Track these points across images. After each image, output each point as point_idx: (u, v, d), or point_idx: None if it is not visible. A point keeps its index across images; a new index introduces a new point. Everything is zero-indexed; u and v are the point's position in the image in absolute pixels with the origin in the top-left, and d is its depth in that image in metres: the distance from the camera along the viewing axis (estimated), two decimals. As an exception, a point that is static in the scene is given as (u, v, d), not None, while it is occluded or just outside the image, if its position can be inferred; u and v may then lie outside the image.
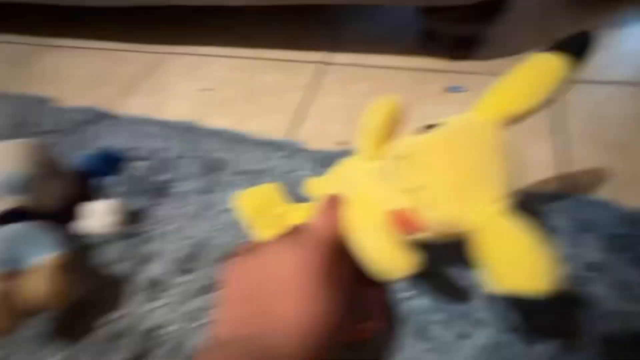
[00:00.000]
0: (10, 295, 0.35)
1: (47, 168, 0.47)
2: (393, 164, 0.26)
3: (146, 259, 0.44)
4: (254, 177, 0.49)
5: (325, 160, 0.49)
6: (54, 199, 0.47)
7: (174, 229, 0.47)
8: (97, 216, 0.46)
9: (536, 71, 0.24)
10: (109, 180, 0.53)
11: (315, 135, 0.54)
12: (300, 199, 0.46)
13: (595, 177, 0.42)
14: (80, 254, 0.45)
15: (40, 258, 0.38)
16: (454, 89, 0.55)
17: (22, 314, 0.36)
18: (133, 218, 0.48)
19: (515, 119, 0.25)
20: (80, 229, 0.46)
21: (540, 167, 0.45)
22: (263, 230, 0.42)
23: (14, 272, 0.37)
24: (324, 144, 0.53)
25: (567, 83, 0.23)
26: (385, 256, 0.26)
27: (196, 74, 0.70)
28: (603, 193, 0.41)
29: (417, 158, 0.25)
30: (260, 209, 0.43)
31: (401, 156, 0.26)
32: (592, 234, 0.36)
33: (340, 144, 0.52)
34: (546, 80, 0.23)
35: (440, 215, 0.24)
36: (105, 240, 0.46)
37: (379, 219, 0.27)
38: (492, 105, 0.25)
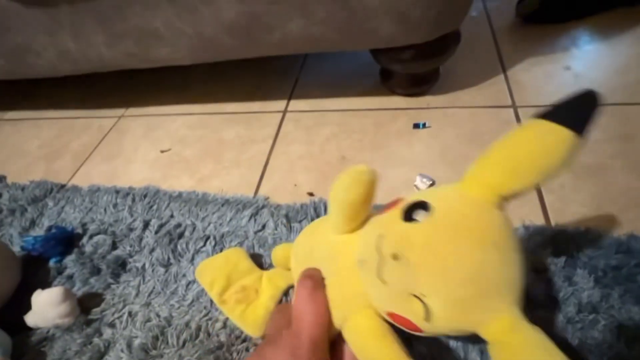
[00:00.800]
0: None
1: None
2: (380, 261, 0.23)
3: (106, 349, 0.39)
4: (219, 241, 0.46)
5: (294, 215, 0.46)
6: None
7: (135, 311, 0.41)
8: (44, 307, 0.40)
9: (539, 143, 0.20)
10: (60, 262, 0.48)
11: (281, 187, 0.52)
12: (269, 262, 0.42)
13: (573, 205, 0.41)
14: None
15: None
16: (420, 125, 0.55)
17: None
18: (88, 303, 0.43)
19: (516, 196, 0.22)
20: (29, 322, 0.41)
21: (514, 200, 0.43)
22: (229, 306, 0.37)
23: None
24: (291, 196, 0.50)
25: (574, 156, 0.20)
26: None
27: (154, 135, 0.68)
28: (585, 222, 0.39)
29: (415, 258, 0.21)
30: (223, 281, 0.38)
31: (392, 254, 0.22)
32: (585, 270, 0.34)
33: (309, 195, 0.50)
34: (553, 155, 0.20)
35: (442, 325, 0.21)
36: (58, 333, 0.41)
37: (374, 320, 0.25)
38: (490, 181, 0.22)
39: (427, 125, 0.55)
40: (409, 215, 0.22)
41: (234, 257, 0.41)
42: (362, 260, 0.25)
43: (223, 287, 0.38)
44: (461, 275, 0.20)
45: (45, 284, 0.46)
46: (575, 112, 0.20)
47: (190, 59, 0.55)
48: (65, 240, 0.50)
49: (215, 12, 0.47)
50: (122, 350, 0.38)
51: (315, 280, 0.27)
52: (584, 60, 0.59)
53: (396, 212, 0.23)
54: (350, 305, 0.26)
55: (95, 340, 0.39)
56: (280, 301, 0.38)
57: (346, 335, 0.26)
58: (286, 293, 0.38)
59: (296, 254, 0.33)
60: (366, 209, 0.27)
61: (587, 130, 0.19)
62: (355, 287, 0.26)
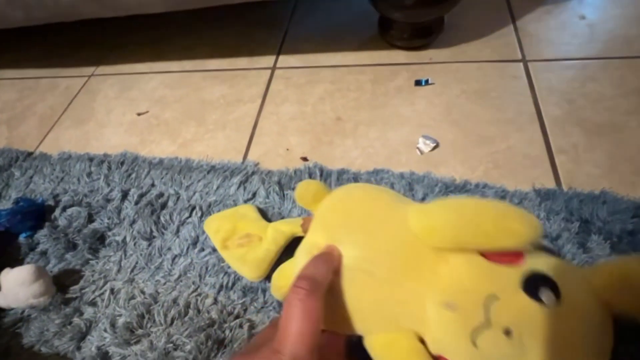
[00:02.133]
0: None
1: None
2: (484, 326, 0.20)
3: (88, 329, 0.36)
4: (206, 211, 0.42)
5: (287, 182, 0.42)
6: None
7: (118, 287, 0.38)
8: (14, 287, 0.37)
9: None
10: (31, 237, 0.44)
11: (272, 151, 0.48)
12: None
13: (586, 166, 0.38)
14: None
15: None
16: (422, 82, 0.50)
17: None
18: (65, 281, 0.40)
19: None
20: (1, 303, 0.37)
21: (524, 161, 0.40)
22: (230, 251, 0.35)
23: None
24: (283, 161, 0.46)
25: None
26: None
27: (129, 96, 0.61)
28: (599, 184, 0.36)
29: (528, 343, 0.19)
30: (229, 228, 0.36)
31: (507, 330, 0.19)
32: (600, 236, 0.32)
33: (303, 160, 0.46)
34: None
35: None
36: (34, 313, 0.37)
37: (418, 344, 0.22)
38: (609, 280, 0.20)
39: (430, 81, 0.50)
40: (533, 290, 0.20)
41: (243, 210, 0.39)
42: (452, 305, 0.21)
43: (228, 233, 0.36)
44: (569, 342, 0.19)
45: (17, 262, 0.42)
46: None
47: (163, 5, 0.48)
48: (36, 214, 0.45)
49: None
50: (105, 330, 0.35)
51: (312, 283, 0.23)
52: (599, 9, 0.54)
53: (515, 275, 0.21)
54: (388, 323, 0.23)
55: (76, 320, 0.36)
56: (282, 247, 0.35)
57: (378, 349, 0.23)
58: (291, 243, 0.35)
59: (330, 220, 0.27)
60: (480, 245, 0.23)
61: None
62: (406, 306, 0.22)
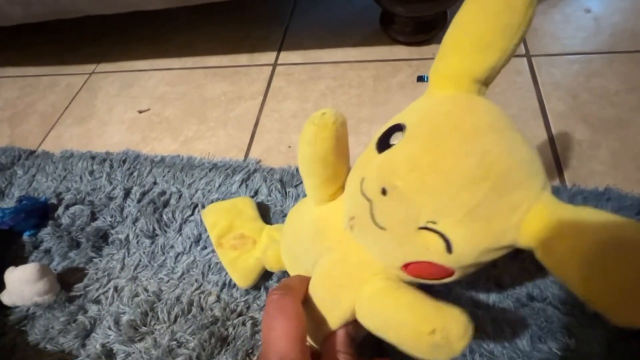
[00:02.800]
0: None
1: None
2: (370, 204, 0.19)
3: (92, 327, 0.36)
4: (208, 209, 0.42)
5: (289, 180, 0.42)
6: None
7: (121, 285, 0.39)
8: (19, 285, 0.37)
9: (498, 3, 0.17)
10: (34, 235, 0.44)
11: (274, 149, 0.47)
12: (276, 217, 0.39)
13: (590, 163, 0.38)
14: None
15: None
16: (425, 78, 0.50)
17: None
18: (69, 279, 0.40)
19: (493, 75, 0.19)
20: (5, 301, 0.38)
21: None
22: (224, 250, 0.35)
23: None
24: (285, 158, 0.46)
25: (535, 7, 0.17)
26: (423, 345, 0.18)
27: (130, 93, 0.61)
28: (603, 181, 0.36)
29: (404, 184, 0.17)
30: (225, 225, 0.36)
31: (379, 190, 0.18)
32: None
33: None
34: (516, 11, 0.17)
35: (470, 251, 0.17)
36: (39, 311, 0.38)
37: (386, 282, 0.20)
38: (459, 67, 0.18)
39: (432, 77, 0.50)
40: (384, 144, 0.19)
41: (241, 205, 0.39)
42: (351, 217, 0.20)
43: (223, 230, 0.36)
44: (463, 177, 0.16)
45: (21, 260, 0.43)
46: None
47: (162, 1, 0.48)
48: (39, 212, 0.45)
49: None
50: (109, 328, 0.35)
51: (284, 287, 0.23)
52: (605, 2, 0.53)
53: (371, 149, 0.20)
54: (358, 280, 0.22)
55: (80, 317, 0.37)
56: None
57: (360, 314, 0.21)
58: None
59: (285, 249, 0.29)
60: (342, 162, 0.22)
61: None
62: (356, 256, 0.22)
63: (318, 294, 0.23)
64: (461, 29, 0.18)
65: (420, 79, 0.50)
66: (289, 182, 0.42)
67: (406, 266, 0.19)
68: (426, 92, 0.20)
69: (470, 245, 0.17)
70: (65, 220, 0.45)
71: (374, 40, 0.56)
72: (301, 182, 0.42)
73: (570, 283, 0.15)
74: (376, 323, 0.20)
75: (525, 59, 0.49)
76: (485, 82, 0.19)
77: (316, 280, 0.23)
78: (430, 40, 0.54)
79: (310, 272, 0.24)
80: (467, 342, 0.17)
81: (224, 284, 0.36)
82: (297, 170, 0.43)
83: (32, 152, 0.56)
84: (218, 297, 0.36)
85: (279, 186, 0.42)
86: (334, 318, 0.22)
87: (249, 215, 0.38)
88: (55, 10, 0.51)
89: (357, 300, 0.21)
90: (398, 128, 0.18)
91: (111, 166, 0.49)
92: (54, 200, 0.47)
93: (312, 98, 0.52)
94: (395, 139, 0.18)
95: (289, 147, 0.47)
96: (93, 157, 0.51)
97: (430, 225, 0.17)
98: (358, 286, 0.21)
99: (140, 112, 0.57)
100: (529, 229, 0.16)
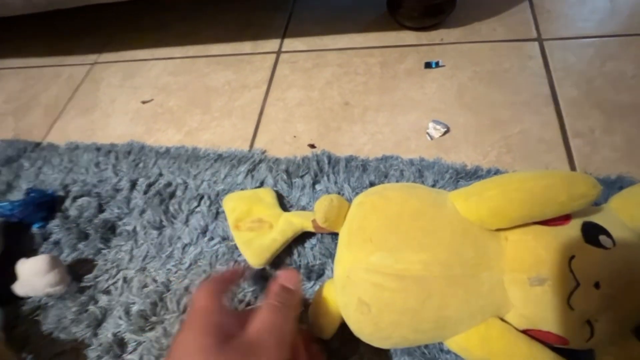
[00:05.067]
0: None
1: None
2: (576, 287, 0.22)
3: (103, 317, 0.37)
4: (214, 200, 0.42)
5: (295, 170, 0.42)
6: None
7: (130, 276, 0.39)
8: (30, 277, 0.37)
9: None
10: (43, 227, 0.45)
11: (279, 138, 0.47)
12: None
13: (603, 150, 0.37)
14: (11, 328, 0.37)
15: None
16: (433, 64, 0.48)
17: None
18: (79, 270, 0.40)
19: None
20: (18, 292, 0.38)
21: (538, 146, 0.39)
22: (241, 232, 0.36)
23: None
24: (291, 148, 0.45)
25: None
26: None
27: (133, 84, 0.60)
28: (618, 168, 0.35)
29: (616, 292, 0.22)
30: (244, 209, 0.37)
31: (594, 282, 0.21)
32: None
33: (310, 147, 0.45)
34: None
35: (593, 345, 0.23)
36: (51, 301, 0.38)
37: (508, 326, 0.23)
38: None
39: (440, 63, 0.48)
40: (594, 240, 0.22)
41: (262, 194, 0.39)
42: (540, 279, 0.22)
43: (242, 214, 0.37)
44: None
45: (31, 252, 0.43)
46: None
47: (163, -12, 0.46)
48: (47, 204, 0.46)
49: None
50: (120, 318, 0.36)
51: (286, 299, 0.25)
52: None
53: (574, 231, 0.23)
54: (474, 312, 0.24)
55: (91, 307, 0.37)
56: (289, 239, 0.35)
57: (471, 347, 0.24)
58: (301, 235, 0.36)
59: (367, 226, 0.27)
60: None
61: None
62: (488, 295, 0.23)
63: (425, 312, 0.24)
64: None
65: (428, 65, 0.49)
66: (294, 173, 0.42)
67: (536, 331, 0.23)
68: (613, 211, 0.25)
69: (596, 344, 0.22)
70: (73, 212, 0.45)
71: (380, 26, 0.55)
72: (307, 173, 0.41)
73: None
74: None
75: (537, 43, 0.47)
76: None
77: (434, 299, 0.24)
78: (438, 25, 0.52)
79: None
80: None
81: (231, 275, 0.36)
82: (302, 160, 0.43)
83: (37, 145, 0.56)
84: (226, 287, 0.36)
85: (284, 176, 0.41)
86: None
87: (268, 202, 0.38)
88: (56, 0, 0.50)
89: (469, 336, 0.24)
90: (607, 233, 0.22)
91: (116, 158, 0.49)
92: (61, 193, 0.47)
93: (317, 86, 0.51)
94: (605, 243, 0.22)
95: (294, 136, 0.47)
96: (98, 149, 0.51)
97: (593, 322, 0.21)
98: (472, 322, 0.24)
99: (144, 102, 0.57)
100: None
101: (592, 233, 0.22)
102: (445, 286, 0.23)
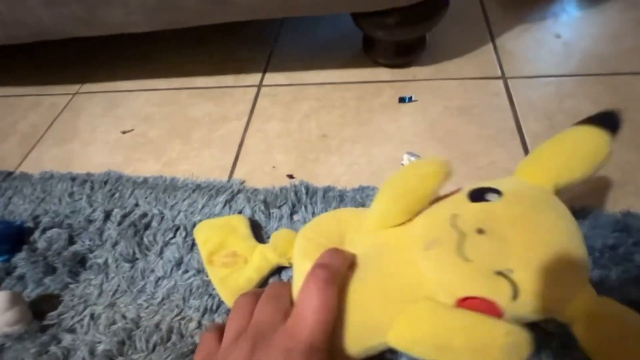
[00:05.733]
0: None
1: None
2: (461, 237, 0.22)
3: (65, 358, 0.35)
4: (190, 231, 0.41)
5: (273, 201, 0.42)
6: None
7: (98, 312, 0.37)
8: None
9: (590, 143, 0.24)
10: (8, 261, 0.43)
11: (258, 169, 0.47)
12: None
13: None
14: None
15: None
16: (406, 99, 0.51)
17: None
18: (43, 306, 0.38)
19: (566, 188, 0.24)
20: None
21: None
22: (214, 268, 0.35)
23: None
24: (270, 179, 0.46)
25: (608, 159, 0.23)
26: (497, 347, 0.19)
27: (115, 114, 0.61)
28: (579, 199, 0.37)
29: (503, 233, 0.21)
30: (217, 242, 0.37)
31: (476, 229, 0.21)
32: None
33: (289, 177, 0.46)
34: (600, 152, 0.23)
35: (527, 304, 0.20)
36: (8, 342, 0.36)
37: (438, 303, 0.22)
38: (550, 172, 0.24)
39: (413, 98, 0.51)
40: (479, 197, 0.23)
41: (235, 222, 0.38)
42: (433, 241, 0.23)
43: (215, 247, 0.36)
44: (550, 247, 0.20)
45: (-9, 288, 0.41)
46: (608, 120, 0.25)
47: (147, 24, 0.48)
48: (13, 236, 0.44)
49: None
50: (83, 359, 0.34)
51: (330, 272, 0.23)
52: (574, 28, 0.56)
53: (461, 196, 0.24)
54: (397, 302, 0.23)
55: (52, 348, 0.35)
56: (266, 279, 0.35)
57: (402, 333, 0.22)
58: (275, 272, 0.36)
59: (317, 239, 0.29)
60: (428, 203, 0.26)
61: (614, 134, 0.24)
62: (403, 279, 0.23)
63: (356, 297, 0.24)
64: (558, 147, 0.25)
65: (402, 100, 0.51)
66: (272, 203, 0.42)
67: (464, 299, 0.21)
68: (514, 175, 0.26)
69: (533, 299, 0.20)
70: (41, 244, 0.44)
71: (356, 63, 0.58)
72: (284, 203, 0.42)
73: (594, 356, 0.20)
74: (436, 336, 0.21)
75: (501, 81, 0.51)
76: (558, 191, 0.24)
77: (360, 284, 0.24)
78: (410, 63, 0.56)
79: None
80: (531, 352, 0.19)
81: (205, 309, 0.35)
82: (280, 190, 0.43)
83: (9, 174, 0.54)
84: (199, 323, 0.35)
85: (262, 207, 0.41)
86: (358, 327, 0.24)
87: (242, 233, 0.37)
88: (39, 32, 0.51)
89: (399, 321, 0.22)
90: (494, 191, 0.23)
91: (92, 188, 0.49)
92: (30, 224, 0.46)
93: (296, 119, 0.53)
94: (491, 197, 0.23)
95: (273, 167, 0.47)
96: (73, 179, 0.50)
97: (507, 272, 0.20)
98: (394, 309, 0.22)
99: (124, 132, 0.57)
100: (575, 305, 0.20)
101: (478, 193, 0.23)
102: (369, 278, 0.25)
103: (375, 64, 0.57)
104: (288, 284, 0.28)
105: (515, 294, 0.20)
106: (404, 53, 0.54)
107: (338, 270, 0.23)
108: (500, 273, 0.20)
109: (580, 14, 0.57)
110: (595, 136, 0.24)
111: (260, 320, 0.24)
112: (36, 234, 0.45)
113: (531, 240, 0.20)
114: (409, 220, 0.26)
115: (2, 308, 0.34)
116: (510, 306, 0.20)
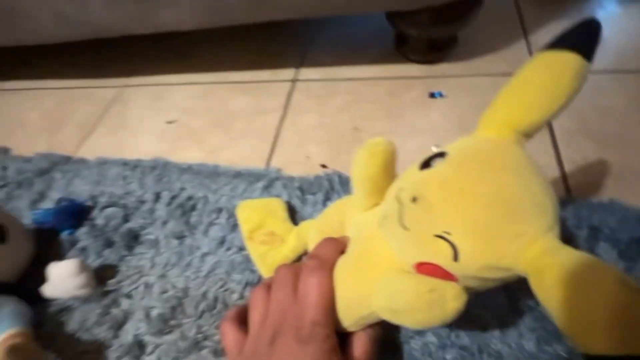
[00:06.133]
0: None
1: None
2: (401, 208, 0.22)
3: (124, 319, 0.39)
4: (232, 213, 0.45)
5: (307, 188, 0.45)
6: (11, 266, 0.42)
7: (151, 282, 0.42)
8: (61, 279, 0.40)
9: (548, 71, 0.21)
10: (72, 234, 0.48)
11: (293, 159, 0.51)
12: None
13: (595, 176, 0.40)
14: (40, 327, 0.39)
15: None
16: (436, 95, 0.53)
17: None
18: (103, 275, 0.43)
19: (533, 130, 0.22)
20: (46, 294, 0.41)
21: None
22: (254, 244, 0.39)
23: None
24: (304, 168, 0.49)
25: (583, 80, 0.20)
26: (422, 303, 0.20)
27: (160, 106, 0.65)
28: (608, 193, 0.38)
29: (432, 197, 0.20)
30: (257, 221, 0.40)
31: (411, 198, 0.21)
32: (608, 243, 0.33)
33: (322, 167, 0.48)
34: (563, 81, 0.20)
35: (472, 263, 0.20)
36: (76, 303, 0.41)
37: (400, 271, 0.24)
38: (505, 118, 0.22)
39: (443, 94, 0.53)
40: (426, 165, 0.23)
41: (273, 205, 0.42)
42: (384, 216, 0.24)
43: (255, 226, 0.40)
44: (480, 201, 0.19)
45: (59, 256, 0.46)
46: (580, 38, 0.21)
47: (194, 23, 0.52)
48: (77, 213, 0.49)
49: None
50: (140, 320, 0.38)
51: (319, 260, 0.27)
52: (610, 24, 0.55)
53: (413, 168, 0.24)
54: (374, 276, 0.25)
55: (114, 310, 0.40)
56: (300, 254, 0.38)
57: (376, 302, 0.24)
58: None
59: (321, 229, 0.32)
60: (388, 181, 0.26)
61: (593, 53, 0.21)
62: (376, 254, 0.25)
63: (341, 276, 0.26)
64: (513, 87, 0.22)
65: (432, 95, 0.53)
66: (307, 190, 0.45)
67: (419, 265, 0.22)
68: (473, 133, 0.24)
69: (473, 257, 0.20)
70: (100, 221, 0.49)
71: (388, 59, 0.60)
72: (318, 190, 0.45)
73: (551, 312, 0.18)
74: (384, 298, 0.23)
75: (533, 78, 0.51)
76: (527, 134, 0.22)
77: (343, 264, 0.27)
78: (441, 59, 0.57)
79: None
80: (460, 305, 0.20)
81: (246, 283, 0.39)
82: (314, 178, 0.46)
83: (69, 159, 0.60)
84: (241, 294, 0.38)
85: (298, 193, 0.45)
86: (349, 299, 0.26)
87: (280, 215, 0.41)
88: (98, 30, 0.56)
89: (374, 294, 0.24)
90: (440, 155, 0.22)
91: (142, 172, 0.53)
92: (89, 203, 0.51)
93: (329, 112, 0.55)
94: (435, 163, 0.22)
95: (307, 157, 0.50)
96: (125, 164, 0.55)
97: (444, 235, 0.20)
98: (373, 283, 0.24)
99: (169, 122, 0.61)
100: (527, 257, 0.19)
101: (428, 160, 0.22)
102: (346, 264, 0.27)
103: (407, 60, 0.58)
104: (293, 267, 0.30)
105: (455, 255, 0.20)
106: (436, 50, 0.55)
107: (327, 257, 0.27)
108: (439, 237, 0.20)
109: (616, 9, 0.57)
110: (563, 58, 0.20)
111: (274, 309, 0.27)
112: (95, 212, 0.50)
113: (458, 200, 0.20)
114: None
115: (74, 273, 0.39)
116: (454, 267, 0.20)
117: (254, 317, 0.29)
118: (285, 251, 0.38)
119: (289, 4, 0.46)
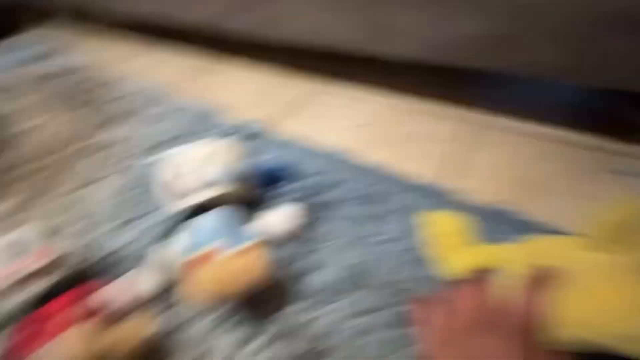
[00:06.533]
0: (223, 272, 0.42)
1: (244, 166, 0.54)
2: None
3: (316, 266, 0.48)
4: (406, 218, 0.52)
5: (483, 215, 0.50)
6: (247, 193, 0.54)
7: (340, 246, 0.51)
8: (281, 217, 0.51)
9: None
10: (283, 187, 0.59)
11: (474, 190, 0.56)
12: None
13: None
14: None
15: (246, 242, 0.43)
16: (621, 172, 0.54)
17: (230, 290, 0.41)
18: (305, 226, 0.53)
19: None
20: (262, 227, 0.49)
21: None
22: (455, 259, 0.42)
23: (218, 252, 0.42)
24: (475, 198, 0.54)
25: None
26: None
27: (348, 112, 0.77)
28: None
29: None
30: (451, 236, 0.44)
31: None
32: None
33: (501, 202, 0.53)
34: None
35: None
36: (280, 241, 0.51)
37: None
38: None
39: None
40: None
41: (459, 220, 0.46)
42: None
43: (448, 240, 0.44)
44: None
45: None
46: None
47: (420, 55, 0.63)
48: (287, 171, 0.61)
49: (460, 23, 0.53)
50: (328, 271, 0.48)
51: (539, 281, 0.32)
52: None
53: None
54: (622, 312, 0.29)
55: (308, 255, 0.50)
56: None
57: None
58: None
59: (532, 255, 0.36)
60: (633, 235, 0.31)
61: None
62: (614, 293, 0.29)
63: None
64: None
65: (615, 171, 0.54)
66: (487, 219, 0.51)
67: None
68: None
69: None
70: (306, 184, 0.59)
71: (579, 125, 0.63)
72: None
73: None
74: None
75: None
76: None
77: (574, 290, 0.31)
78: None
79: None
80: None
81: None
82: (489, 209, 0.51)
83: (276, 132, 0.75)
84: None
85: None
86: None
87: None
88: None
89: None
90: None
91: (336, 159, 0.65)
92: (298, 169, 0.62)
93: (514, 158, 0.61)
94: None
95: (482, 191, 0.56)
96: (323, 148, 0.67)
97: None
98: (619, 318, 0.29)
99: (357, 126, 0.73)
100: None
101: None
102: None
103: (605, 132, 0.61)
104: (481, 283, 0.35)
105: None
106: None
107: (543, 280, 0.32)
108: None
109: None
110: None
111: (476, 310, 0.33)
112: (300, 178, 0.61)
113: None
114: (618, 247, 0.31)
115: (293, 215, 0.51)
116: None
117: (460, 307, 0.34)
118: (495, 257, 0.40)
119: (520, 62, 0.53)
